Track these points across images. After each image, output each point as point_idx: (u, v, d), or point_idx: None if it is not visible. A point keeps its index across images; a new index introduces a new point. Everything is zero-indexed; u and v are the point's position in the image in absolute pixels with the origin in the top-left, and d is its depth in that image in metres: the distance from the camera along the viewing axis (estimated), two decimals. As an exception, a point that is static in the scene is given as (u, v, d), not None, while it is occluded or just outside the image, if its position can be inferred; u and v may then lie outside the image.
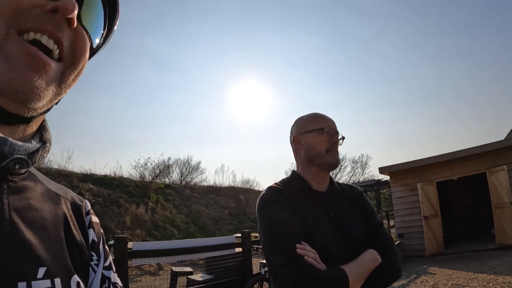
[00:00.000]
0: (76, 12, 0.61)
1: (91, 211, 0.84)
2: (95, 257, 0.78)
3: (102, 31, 0.75)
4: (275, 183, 1.81)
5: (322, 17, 55.27)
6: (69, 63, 0.66)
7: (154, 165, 25.98)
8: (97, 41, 0.74)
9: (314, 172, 1.78)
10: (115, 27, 0.78)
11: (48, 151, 0.69)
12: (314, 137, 1.78)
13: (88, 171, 22.35)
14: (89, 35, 0.70)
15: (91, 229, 0.81)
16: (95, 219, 0.84)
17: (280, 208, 1.62)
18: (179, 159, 29.68)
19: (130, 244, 6.32)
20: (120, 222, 18.25)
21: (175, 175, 29.01)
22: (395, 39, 51.58)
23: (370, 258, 1.57)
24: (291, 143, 1.92)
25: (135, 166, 25.34)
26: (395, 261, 1.64)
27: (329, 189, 1.82)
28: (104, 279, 0.78)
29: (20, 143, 0.61)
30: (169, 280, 9.09)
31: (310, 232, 1.57)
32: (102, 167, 39.64)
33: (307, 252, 1.46)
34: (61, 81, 0.65)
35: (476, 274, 8.70)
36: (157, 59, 46.32)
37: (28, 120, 0.64)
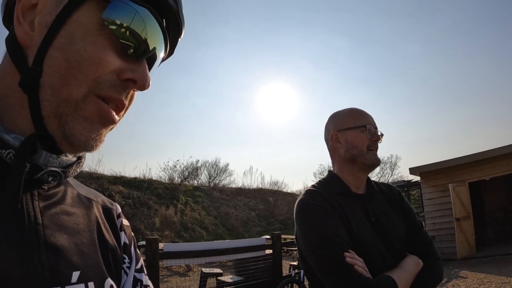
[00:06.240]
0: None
1: (122, 214, 0.85)
2: (127, 260, 0.79)
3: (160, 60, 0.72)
4: (312, 186, 1.74)
5: (346, 18, 54.44)
6: (122, 113, 0.67)
7: (183, 168, 26.28)
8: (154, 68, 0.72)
9: (354, 172, 1.70)
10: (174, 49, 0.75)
11: (82, 165, 0.70)
12: (356, 134, 1.68)
13: (118, 174, 22.84)
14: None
15: (123, 232, 0.81)
16: (125, 222, 0.85)
17: (323, 213, 1.54)
18: (208, 161, 30.02)
19: (161, 245, 6.37)
20: (150, 223, 18.50)
21: (203, 177, 29.34)
22: (421, 38, 50.56)
23: (413, 263, 1.52)
24: (327, 141, 1.82)
25: (164, 169, 25.70)
26: (438, 264, 1.58)
27: (368, 191, 1.74)
28: (136, 281, 0.79)
29: (55, 155, 0.61)
30: (198, 281, 9.14)
31: (353, 238, 1.51)
32: (132, 169, 40.31)
33: (356, 261, 1.40)
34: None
35: (508, 278, 8.47)
36: (184, 65, 46.71)
37: None
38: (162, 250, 6.04)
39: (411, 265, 1.51)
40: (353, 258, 1.41)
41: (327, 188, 1.68)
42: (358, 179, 1.72)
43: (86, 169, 20.98)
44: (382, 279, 1.40)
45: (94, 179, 19.93)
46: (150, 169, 48.68)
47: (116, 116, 0.62)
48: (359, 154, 1.67)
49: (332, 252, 1.43)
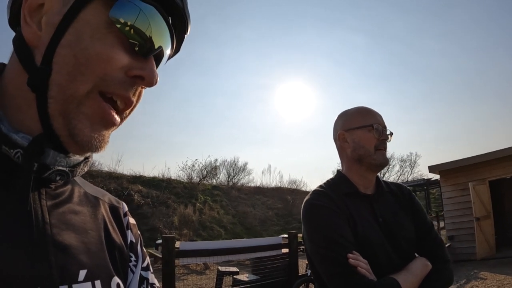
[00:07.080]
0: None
1: (128, 212, 0.85)
2: (133, 258, 0.79)
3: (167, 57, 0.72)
4: (320, 186, 1.71)
5: (363, 15, 54.32)
6: (129, 111, 0.68)
7: (202, 167, 26.59)
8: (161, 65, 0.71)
9: (362, 172, 1.67)
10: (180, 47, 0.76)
11: (90, 165, 0.70)
12: (363, 134, 1.65)
13: (137, 173, 23.12)
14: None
15: (129, 231, 0.81)
16: (132, 220, 0.85)
17: (328, 214, 1.53)
18: (226, 160, 30.24)
19: (177, 244, 6.42)
20: (168, 222, 18.63)
21: (222, 176, 29.54)
22: (438, 34, 49.88)
23: (421, 266, 1.49)
24: (335, 141, 1.79)
25: (183, 168, 26.20)
26: (447, 267, 1.54)
27: (376, 191, 1.71)
28: (142, 279, 0.79)
29: (62, 154, 0.61)
30: (215, 280, 9.16)
31: (359, 239, 1.49)
32: (151, 169, 40.59)
33: (360, 262, 1.38)
34: (118, 125, 0.67)
35: (529, 280, 8.23)
36: (202, 65, 47.00)
37: None
38: (178, 248, 6.08)
39: (418, 267, 1.48)
40: (356, 259, 1.39)
41: (334, 188, 1.66)
42: (366, 179, 1.69)
43: (106, 169, 21.29)
44: (386, 281, 1.37)
45: (113, 179, 20.15)
46: (169, 168, 49.36)
47: (117, 118, 0.63)
48: (366, 154, 1.64)
49: (336, 253, 1.41)
